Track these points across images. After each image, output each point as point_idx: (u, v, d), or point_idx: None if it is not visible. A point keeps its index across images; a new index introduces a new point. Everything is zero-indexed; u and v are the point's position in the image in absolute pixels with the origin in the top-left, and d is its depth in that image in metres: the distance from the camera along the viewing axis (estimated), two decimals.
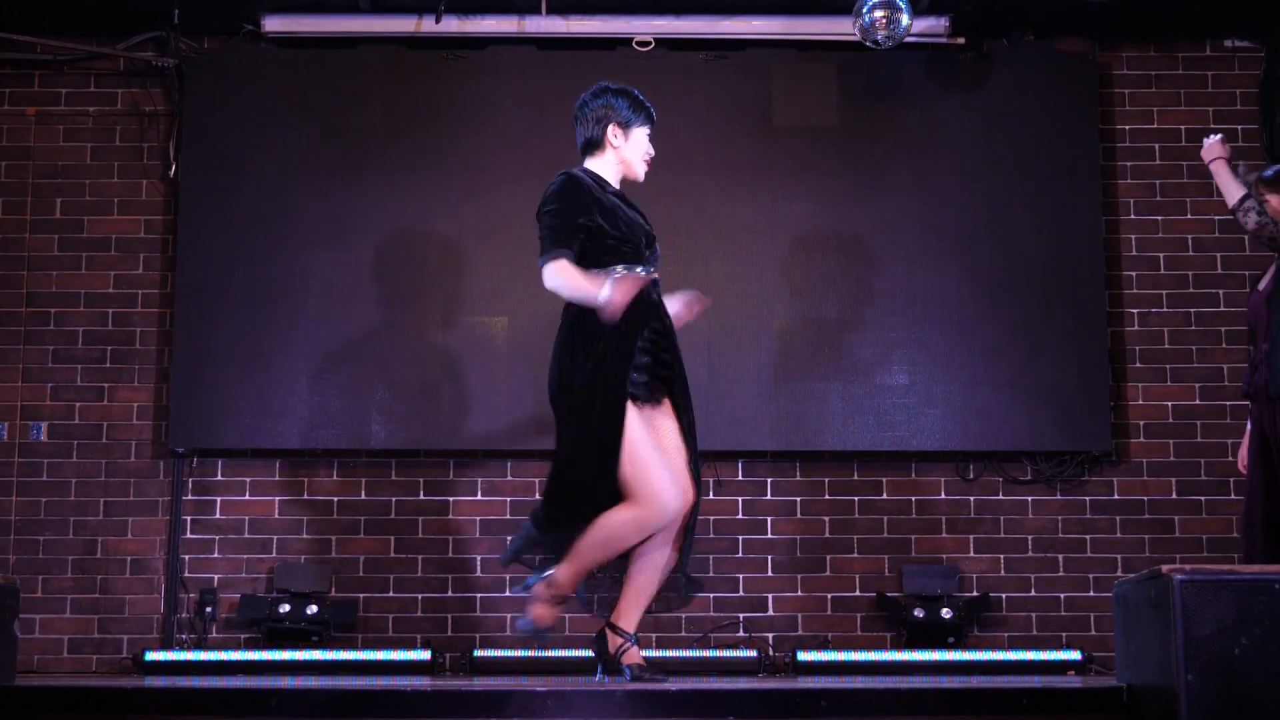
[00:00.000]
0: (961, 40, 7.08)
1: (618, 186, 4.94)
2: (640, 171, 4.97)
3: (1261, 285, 5.52)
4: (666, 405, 4.82)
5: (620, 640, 4.74)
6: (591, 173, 4.89)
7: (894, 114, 7.12)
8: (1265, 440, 5.39)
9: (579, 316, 4.70)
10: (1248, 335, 5.70)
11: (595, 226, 4.72)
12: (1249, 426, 5.58)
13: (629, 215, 4.84)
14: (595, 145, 4.95)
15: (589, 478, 4.61)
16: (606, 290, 4.60)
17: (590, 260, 4.73)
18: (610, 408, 4.62)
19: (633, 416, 4.62)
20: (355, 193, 6.97)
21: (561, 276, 4.66)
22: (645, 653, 6.49)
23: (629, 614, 4.79)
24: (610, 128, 4.92)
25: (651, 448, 4.64)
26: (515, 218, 6.95)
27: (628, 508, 4.61)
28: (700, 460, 4.88)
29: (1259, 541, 5.38)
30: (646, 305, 4.75)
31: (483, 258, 6.95)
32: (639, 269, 4.77)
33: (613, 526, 4.62)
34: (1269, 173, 5.51)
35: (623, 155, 4.93)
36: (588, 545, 4.66)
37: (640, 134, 4.95)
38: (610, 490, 4.60)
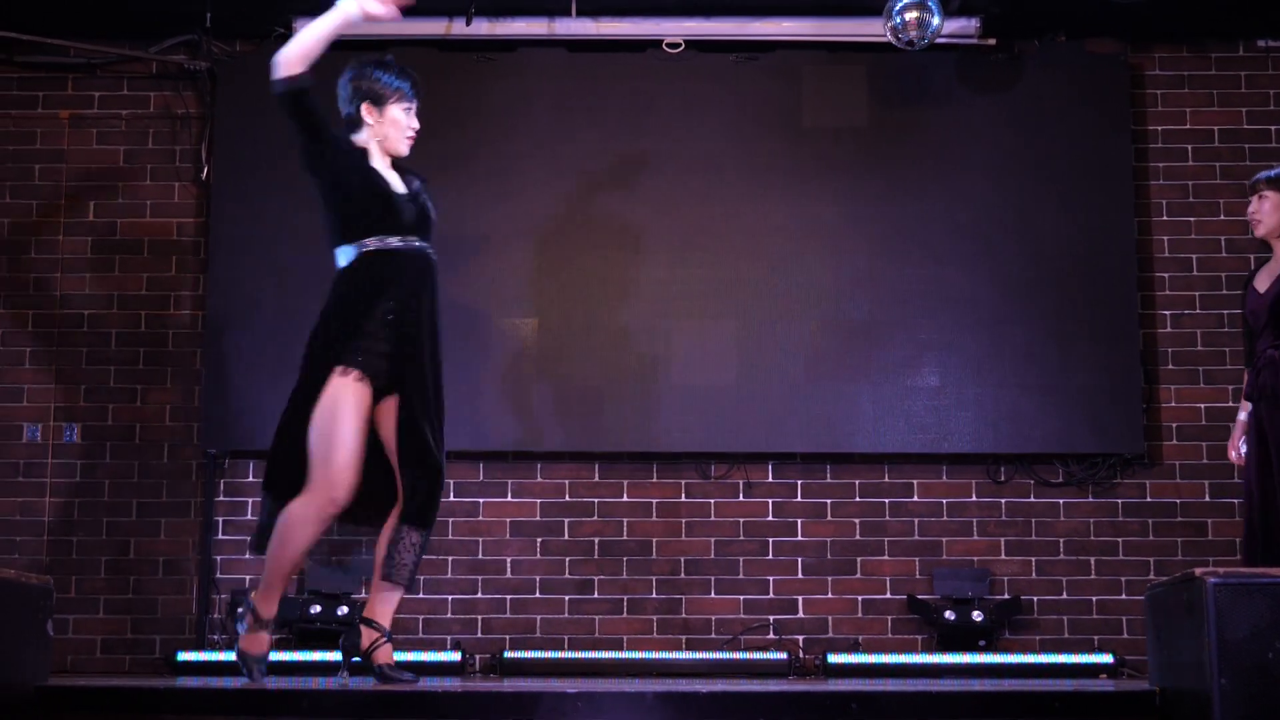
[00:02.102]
0: (992, 41, 7.06)
1: (384, 162, 4.85)
2: (403, 145, 4.87)
3: (1262, 287, 5.50)
4: (393, 401, 4.70)
5: (375, 635, 4.62)
6: (350, 142, 4.82)
7: (924, 115, 7.10)
8: (1264, 442, 5.39)
9: (334, 284, 4.71)
10: (1244, 336, 5.68)
11: (334, 166, 4.70)
12: (1241, 419, 5.60)
13: (379, 184, 4.74)
14: (352, 124, 4.85)
15: (292, 444, 4.56)
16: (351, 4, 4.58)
17: (342, 232, 4.73)
18: (313, 371, 4.62)
19: (341, 388, 4.57)
20: None
21: (288, 45, 4.62)
22: (675, 654, 6.53)
23: (380, 606, 4.66)
24: (364, 106, 4.82)
25: (350, 429, 4.54)
26: (545, 219, 6.98)
27: (300, 498, 4.53)
28: (432, 466, 4.74)
29: (1255, 544, 5.38)
30: (395, 274, 4.67)
31: (513, 259, 6.96)
32: (394, 240, 4.69)
33: (285, 524, 4.55)
34: (1274, 172, 5.53)
35: (377, 133, 4.83)
36: (270, 553, 4.59)
37: (396, 111, 4.84)
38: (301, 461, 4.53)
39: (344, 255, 4.76)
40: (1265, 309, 5.44)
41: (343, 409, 4.56)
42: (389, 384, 4.68)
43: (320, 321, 4.74)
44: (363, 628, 4.62)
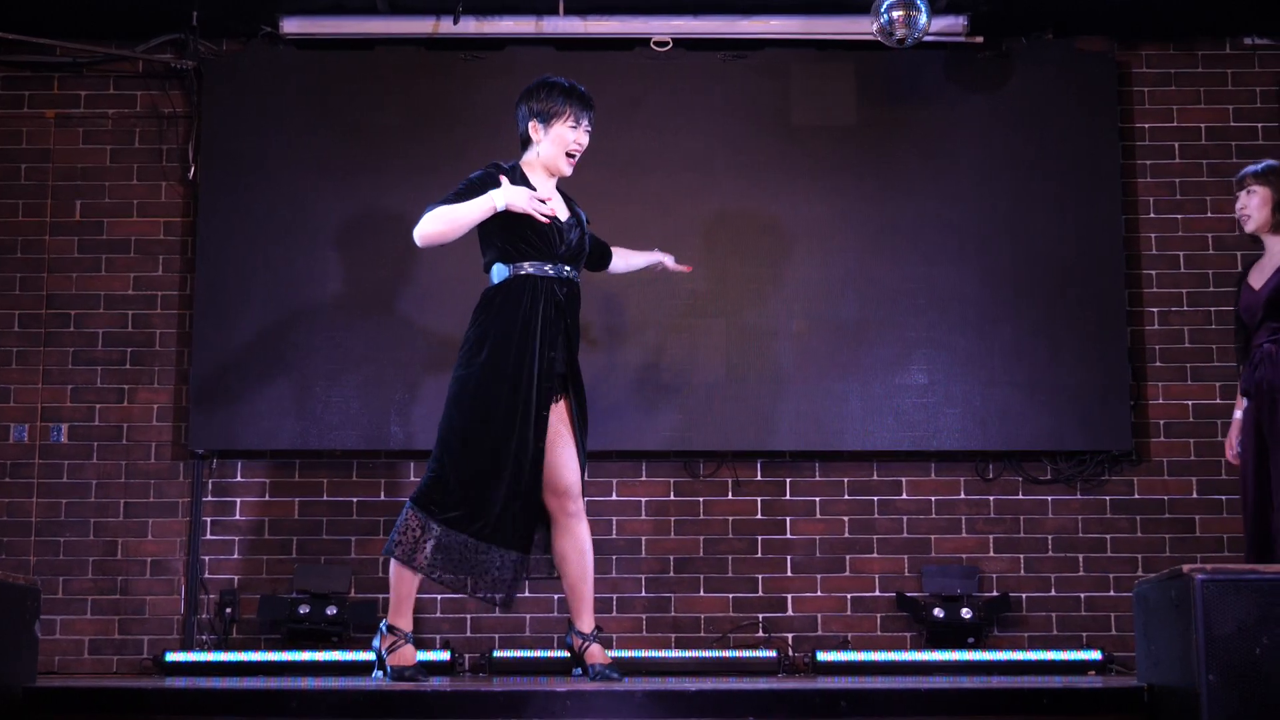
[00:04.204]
0: (980, 39, 7.06)
1: (549, 183, 4.95)
2: (565, 164, 4.96)
3: (1257, 283, 5.50)
4: (561, 407, 4.91)
5: (580, 641, 4.91)
6: (513, 169, 4.92)
7: (912, 113, 7.11)
8: (1261, 438, 5.39)
9: (484, 310, 4.83)
10: (1237, 333, 5.68)
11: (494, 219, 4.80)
12: (1237, 417, 5.60)
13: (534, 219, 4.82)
14: (524, 143, 5.00)
15: (500, 483, 4.74)
16: (499, 194, 4.71)
17: (500, 254, 4.86)
18: (517, 408, 4.74)
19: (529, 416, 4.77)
20: (373, 194, 6.98)
21: (430, 217, 4.80)
22: (664, 653, 6.53)
23: (578, 615, 4.95)
24: (531, 124, 4.94)
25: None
26: None
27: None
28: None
29: (1253, 539, 5.39)
30: (550, 304, 4.82)
31: None
32: (548, 267, 4.84)
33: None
34: (1260, 166, 5.54)
35: (541, 152, 4.95)
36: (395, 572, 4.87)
37: (561, 128, 4.92)
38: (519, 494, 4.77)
39: (497, 274, 4.91)
40: (1261, 304, 5.43)
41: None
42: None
43: (474, 345, 4.85)
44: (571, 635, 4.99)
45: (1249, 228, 5.56)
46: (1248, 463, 5.47)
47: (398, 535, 4.79)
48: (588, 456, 6.63)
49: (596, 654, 4.90)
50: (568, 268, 4.90)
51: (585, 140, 4.96)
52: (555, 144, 4.91)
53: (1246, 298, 5.56)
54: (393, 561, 4.84)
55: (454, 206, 4.77)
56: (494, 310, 4.82)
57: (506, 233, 4.82)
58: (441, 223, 4.77)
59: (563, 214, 4.94)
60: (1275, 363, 5.36)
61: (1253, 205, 5.51)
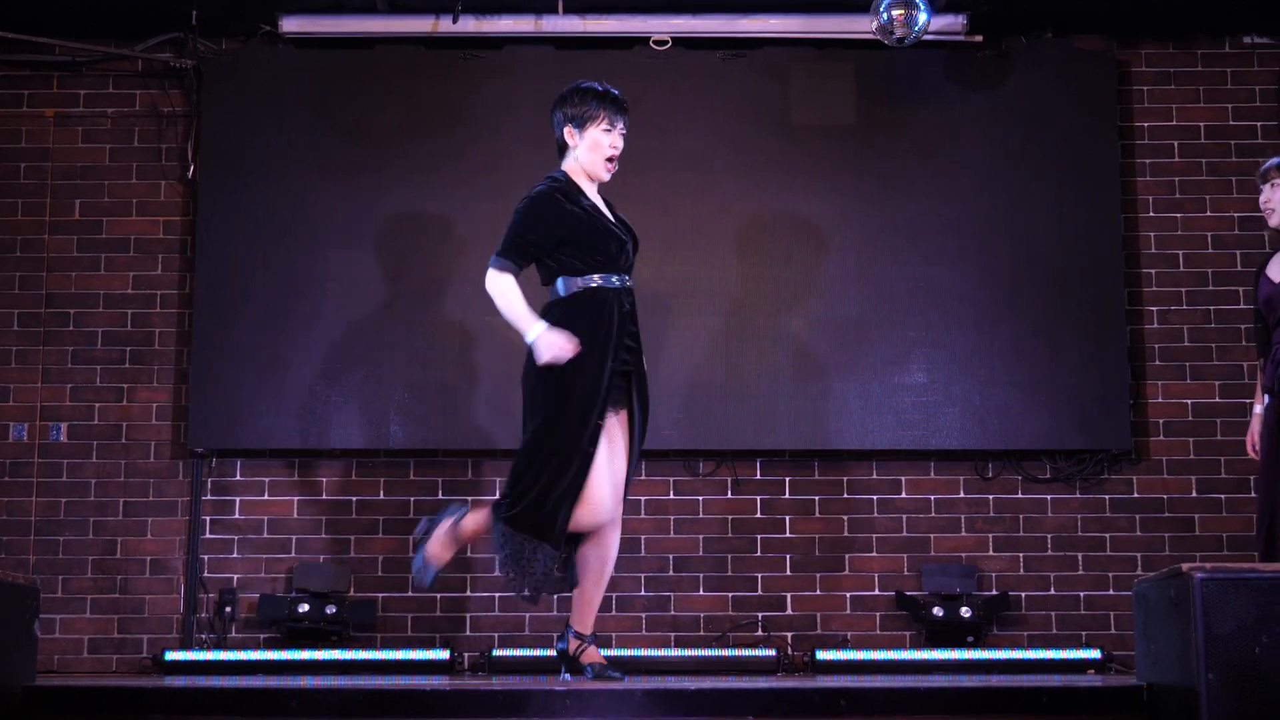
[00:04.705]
0: (979, 38, 7.06)
1: (591, 187, 4.95)
2: (605, 169, 4.93)
3: (1277, 276, 5.45)
4: (624, 415, 4.91)
5: (578, 643, 4.91)
6: (566, 182, 4.90)
7: (912, 112, 7.10)
8: None
9: (557, 322, 4.79)
10: (1256, 331, 5.64)
11: (558, 241, 4.82)
12: (1257, 412, 5.53)
13: (601, 225, 4.85)
14: (561, 149, 4.99)
15: (560, 484, 4.72)
16: (537, 341, 4.74)
17: (564, 268, 4.86)
18: (583, 415, 4.73)
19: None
20: (373, 193, 6.98)
21: (499, 291, 4.85)
22: (664, 652, 6.53)
23: (582, 617, 4.95)
24: (566, 129, 4.93)
25: (604, 453, 4.79)
26: None
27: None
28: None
29: (1275, 537, 5.34)
30: (618, 314, 4.82)
31: None
32: (614, 279, 4.84)
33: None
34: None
35: (578, 157, 4.93)
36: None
37: (595, 133, 4.90)
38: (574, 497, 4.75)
39: (564, 287, 4.90)
40: None
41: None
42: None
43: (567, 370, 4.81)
44: (569, 636, 4.98)
45: (1274, 222, 5.44)
46: (1267, 460, 5.39)
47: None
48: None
49: (594, 654, 4.90)
50: (629, 278, 4.92)
51: (620, 144, 4.92)
52: (592, 149, 4.89)
53: (1266, 290, 5.46)
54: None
55: (511, 302, 4.83)
56: (563, 324, 4.79)
57: (572, 247, 4.83)
58: (499, 301, 4.87)
59: (610, 219, 4.94)
60: None
61: (1277, 199, 5.42)
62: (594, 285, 4.83)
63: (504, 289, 4.83)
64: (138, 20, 7.02)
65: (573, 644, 4.93)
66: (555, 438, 4.74)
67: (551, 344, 4.71)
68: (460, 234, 6.95)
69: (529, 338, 4.76)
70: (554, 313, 4.84)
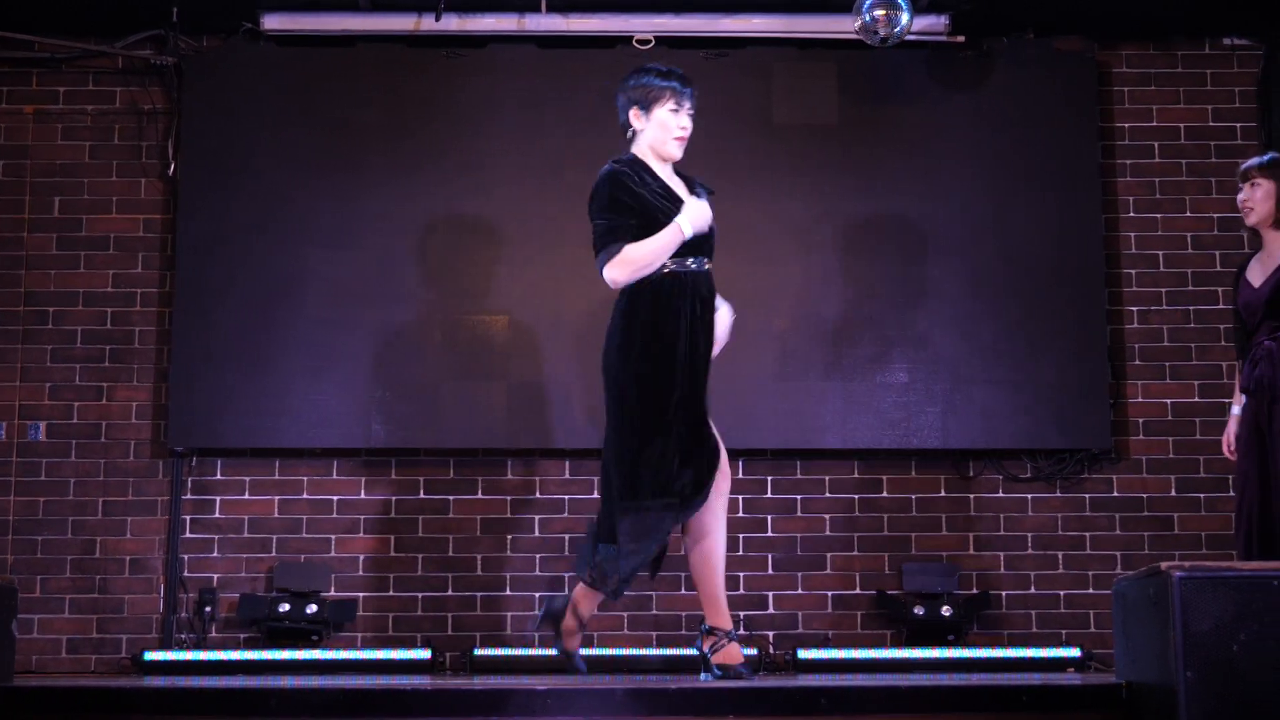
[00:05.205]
0: (961, 39, 7.07)
1: (665, 168, 4.87)
2: (674, 147, 4.85)
3: (1256, 279, 5.48)
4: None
5: (711, 639, 4.74)
6: (632, 162, 4.81)
7: (894, 113, 7.11)
8: (1260, 435, 5.38)
9: (629, 308, 4.73)
10: (1236, 333, 5.66)
11: (634, 224, 4.71)
12: (1234, 413, 5.57)
13: (666, 206, 4.75)
14: (627, 133, 4.90)
15: (672, 464, 4.66)
16: (685, 221, 4.68)
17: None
18: (659, 406, 4.70)
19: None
20: (354, 191, 6.96)
21: (626, 263, 4.68)
22: (645, 651, 6.53)
23: (706, 610, 4.78)
24: (632, 111, 4.86)
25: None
26: (515, 216, 6.97)
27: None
28: None
29: (1253, 537, 5.37)
30: (699, 298, 4.78)
31: (483, 256, 6.95)
32: (690, 261, 4.77)
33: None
34: (1266, 159, 5.51)
35: (647, 138, 4.85)
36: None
37: (662, 113, 4.82)
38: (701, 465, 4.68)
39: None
40: (1262, 303, 5.37)
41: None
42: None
43: (623, 344, 4.76)
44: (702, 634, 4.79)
45: (1251, 220, 5.48)
46: (1247, 461, 5.42)
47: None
48: (573, 454, 6.68)
49: (730, 652, 4.71)
50: (706, 260, 4.86)
51: (689, 124, 4.84)
52: (660, 129, 4.80)
53: (1246, 294, 5.48)
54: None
55: (645, 247, 4.68)
56: (642, 309, 4.72)
57: (646, 232, 4.72)
58: (639, 268, 4.69)
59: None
60: (1275, 361, 5.32)
61: (1257, 198, 5.43)
62: (669, 269, 4.75)
63: (631, 259, 4.69)
64: (118, 17, 6.99)
65: (705, 641, 4.76)
66: (656, 424, 4.70)
67: (698, 215, 4.72)
68: (442, 231, 6.94)
69: (686, 233, 4.70)
70: (621, 301, 4.77)
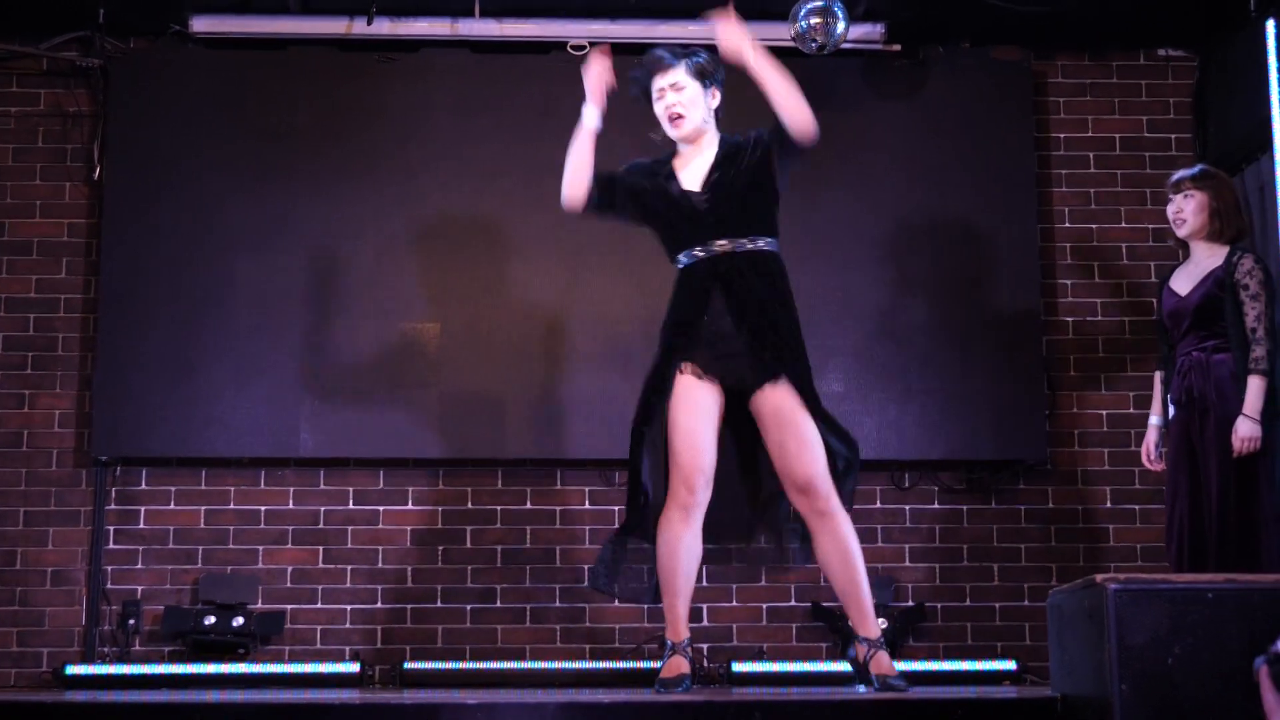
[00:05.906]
0: (897, 47, 7.08)
1: (691, 149, 5.00)
2: (670, 130, 4.99)
3: (1182, 289, 5.50)
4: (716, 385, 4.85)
5: (864, 648, 4.67)
6: (662, 155, 5.01)
7: (829, 120, 7.02)
8: (1191, 447, 5.40)
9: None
10: (1159, 339, 5.67)
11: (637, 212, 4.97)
12: (1154, 423, 5.62)
13: (665, 201, 4.89)
14: None
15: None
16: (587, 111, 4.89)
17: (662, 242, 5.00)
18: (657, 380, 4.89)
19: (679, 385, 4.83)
20: (285, 197, 6.88)
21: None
22: (578, 664, 6.47)
23: (853, 620, 4.74)
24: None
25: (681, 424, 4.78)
26: (448, 222, 6.91)
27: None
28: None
29: (1184, 549, 5.39)
30: (700, 294, 4.84)
31: (415, 263, 6.87)
32: (698, 250, 4.86)
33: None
34: (1196, 171, 5.54)
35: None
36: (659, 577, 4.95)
37: (655, 107, 4.99)
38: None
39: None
40: (1190, 311, 5.40)
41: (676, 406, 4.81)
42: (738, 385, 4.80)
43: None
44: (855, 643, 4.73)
45: (1183, 232, 5.51)
46: (1178, 473, 5.43)
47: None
48: (506, 464, 6.60)
49: (881, 663, 4.61)
50: (720, 243, 4.88)
51: (672, 99, 4.94)
52: (660, 119, 4.99)
53: (1171, 303, 5.51)
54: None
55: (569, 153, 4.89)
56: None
57: (650, 228, 5.03)
58: (567, 171, 4.91)
59: (694, 184, 4.92)
60: (1205, 371, 5.35)
61: (1189, 209, 5.46)
62: (680, 266, 4.92)
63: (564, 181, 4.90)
64: (43, 17, 6.87)
65: (860, 650, 4.68)
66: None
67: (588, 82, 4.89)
68: (374, 238, 6.87)
69: (588, 121, 4.93)
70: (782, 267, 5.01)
